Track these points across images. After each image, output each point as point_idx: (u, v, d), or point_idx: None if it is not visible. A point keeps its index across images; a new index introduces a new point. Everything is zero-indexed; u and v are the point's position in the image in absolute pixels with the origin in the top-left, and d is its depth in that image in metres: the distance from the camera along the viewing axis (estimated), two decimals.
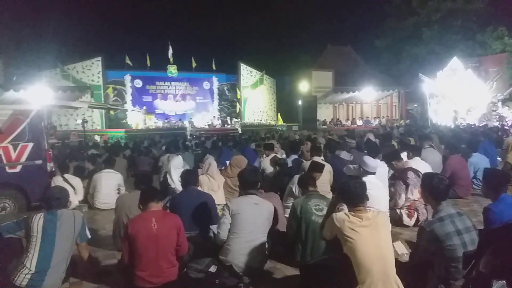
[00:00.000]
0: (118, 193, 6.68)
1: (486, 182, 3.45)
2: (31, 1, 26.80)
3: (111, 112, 22.19)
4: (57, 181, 6.51)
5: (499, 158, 8.76)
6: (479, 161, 7.13)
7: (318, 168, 5.05)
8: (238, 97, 26.36)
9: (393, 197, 5.18)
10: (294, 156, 7.51)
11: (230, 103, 27.03)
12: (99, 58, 21.99)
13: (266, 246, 3.74)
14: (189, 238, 3.71)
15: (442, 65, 22.96)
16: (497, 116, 20.19)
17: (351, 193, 2.87)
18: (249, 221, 3.60)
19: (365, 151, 6.93)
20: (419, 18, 30.05)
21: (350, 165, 5.42)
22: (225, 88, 26.97)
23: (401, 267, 2.80)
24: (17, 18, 22.86)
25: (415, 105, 28.93)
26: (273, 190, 5.22)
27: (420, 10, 29.90)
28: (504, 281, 2.17)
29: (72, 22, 29.50)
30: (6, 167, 6.38)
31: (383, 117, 28.33)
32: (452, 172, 6.52)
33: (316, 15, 42.14)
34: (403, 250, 3.64)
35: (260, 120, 26.63)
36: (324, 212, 3.65)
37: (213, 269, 3.30)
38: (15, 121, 6.45)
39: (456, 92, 21.65)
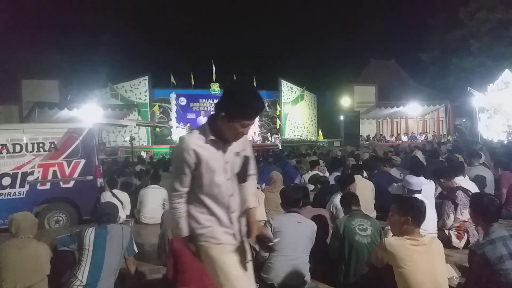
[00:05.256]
0: (163, 208, 6.76)
1: None
2: (83, 28, 28.73)
3: (157, 129, 22.95)
4: (106, 196, 6.70)
5: None
6: None
7: (345, 182, 5.02)
8: (278, 113, 26.50)
9: (441, 217, 4.96)
10: (337, 173, 7.28)
11: (270, 119, 27.23)
12: (146, 77, 22.95)
13: (308, 265, 3.70)
14: None
15: (492, 78, 21.90)
16: None
17: (420, 212, 2.60)
18: (291, 239, 3.59)
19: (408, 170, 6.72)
20: (467, 30, 28.93)
21: (395, 184, 5.27)
22: (266, 104, 27.21)
23: None
24: (71, 42, 24.52)
25: (464, 120, 27.73)
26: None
27: (467, 21, 28.82)
28: None
29: (121, 43, 31.15)
30: (61, 182, 6.75)
31: (429, 132, 27.36)
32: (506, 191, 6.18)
33: (359, 29, 41.86)
34: (453, 274, 3.49)
35: (301, 136, 26.54)
36: (368, 232, 3.58)
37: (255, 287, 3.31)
38: (69, 139, 6.83)
39: (509, 106, 20.57)
